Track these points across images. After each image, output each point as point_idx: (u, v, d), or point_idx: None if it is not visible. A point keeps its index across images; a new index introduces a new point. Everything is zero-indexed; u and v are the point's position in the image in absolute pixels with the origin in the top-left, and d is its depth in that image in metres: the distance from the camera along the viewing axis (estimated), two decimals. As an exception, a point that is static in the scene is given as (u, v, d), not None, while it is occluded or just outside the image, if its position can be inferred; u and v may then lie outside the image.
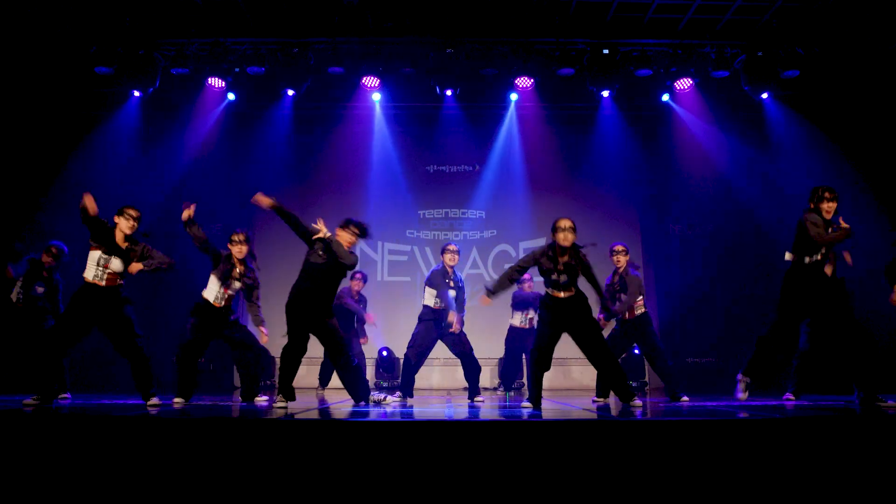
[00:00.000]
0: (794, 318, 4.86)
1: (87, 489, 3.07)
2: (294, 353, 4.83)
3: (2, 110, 8.20)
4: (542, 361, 4.75)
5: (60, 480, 3.09)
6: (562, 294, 4.71)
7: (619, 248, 5.89)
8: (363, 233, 5.03)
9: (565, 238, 4.66)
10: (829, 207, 4.75)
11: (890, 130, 8.22)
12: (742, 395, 4.91)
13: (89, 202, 4.55)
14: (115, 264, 4.68)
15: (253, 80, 8.31)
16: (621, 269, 5.85)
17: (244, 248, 5.37)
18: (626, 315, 5.77)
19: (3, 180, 8.20)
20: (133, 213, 4.74)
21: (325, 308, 4.94)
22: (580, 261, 4.71)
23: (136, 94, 8.29)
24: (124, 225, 4.72)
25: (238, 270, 5.34)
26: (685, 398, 5.67)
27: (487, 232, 9.59)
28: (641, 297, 5.82)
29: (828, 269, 4.74)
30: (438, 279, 6.06)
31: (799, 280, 4.78)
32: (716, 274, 8.84)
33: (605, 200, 9.44)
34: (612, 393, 5.54)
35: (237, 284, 5.36)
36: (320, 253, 4.89)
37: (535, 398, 4.71)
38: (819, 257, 4.73)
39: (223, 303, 5.32)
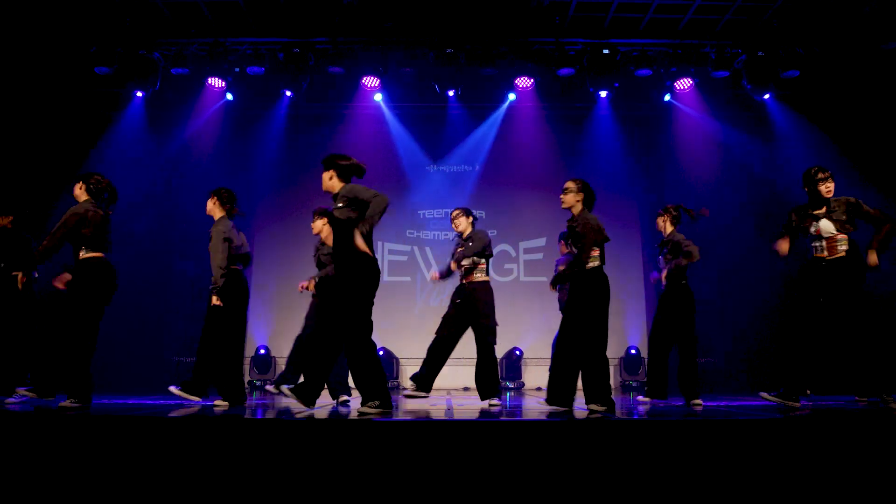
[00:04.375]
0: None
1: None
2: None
3: (14, 110, 8.21)
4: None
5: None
6: (589, 264, 4.27)
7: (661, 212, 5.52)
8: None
9: (564, 201, 4.46)
10: (826, 188, 4.39)
11: (889, 129, 8.19)
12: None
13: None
14: None
15: (253, 80, 8.32)
16: (667, 235, 5.51)
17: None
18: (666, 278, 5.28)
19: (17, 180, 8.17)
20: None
21: None
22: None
23: (139, 94, 8.34)
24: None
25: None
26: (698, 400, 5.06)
27: (487, 232, 9.56)
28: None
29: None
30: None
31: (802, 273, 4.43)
32: (716, 274, 8.81)
33: (606, 200, 9.26)
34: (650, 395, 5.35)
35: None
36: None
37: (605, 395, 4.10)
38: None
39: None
